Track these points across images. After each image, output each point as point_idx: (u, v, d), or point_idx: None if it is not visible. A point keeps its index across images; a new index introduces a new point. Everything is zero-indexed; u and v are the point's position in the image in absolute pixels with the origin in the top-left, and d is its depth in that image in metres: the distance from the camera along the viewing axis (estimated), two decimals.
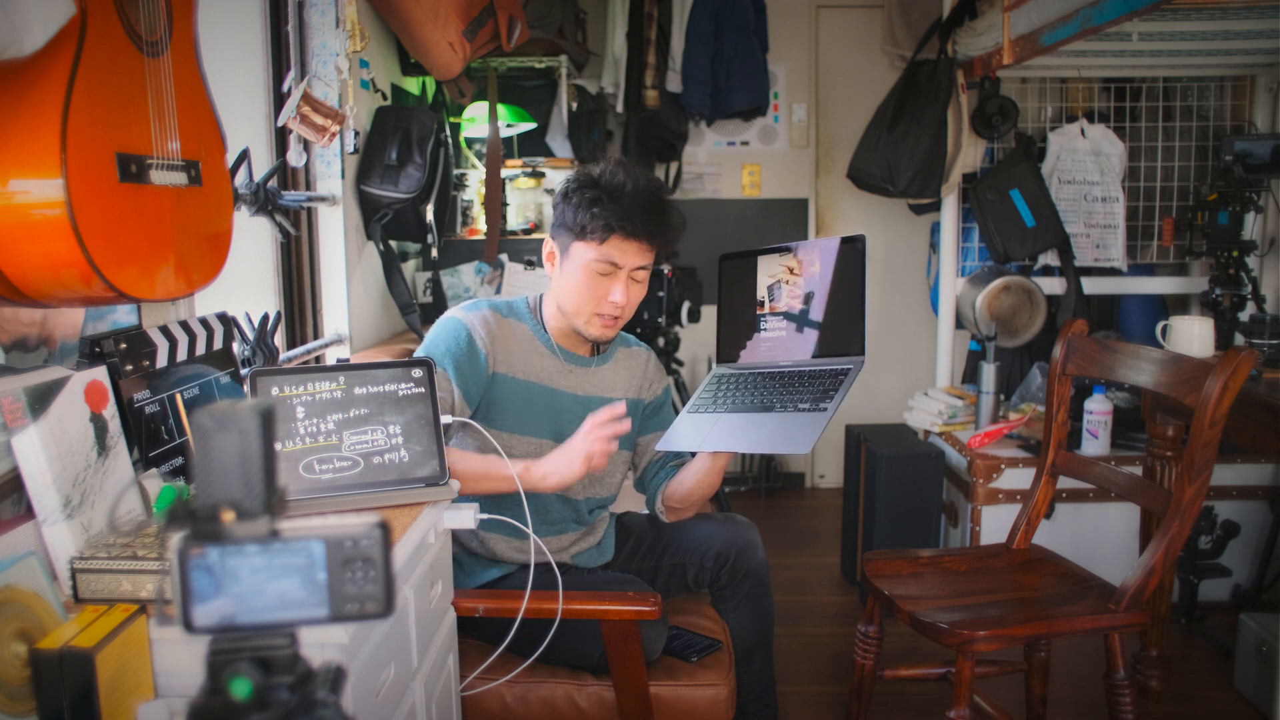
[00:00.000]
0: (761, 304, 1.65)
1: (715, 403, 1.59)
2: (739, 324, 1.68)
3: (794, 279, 1.61)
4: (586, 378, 1.71)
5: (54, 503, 1.07)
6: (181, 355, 1.42)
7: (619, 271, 1.59)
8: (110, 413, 1.20)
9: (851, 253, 1.55)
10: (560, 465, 1.48)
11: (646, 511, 1.85)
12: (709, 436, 1.54)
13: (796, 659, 2.51)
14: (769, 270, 1.64)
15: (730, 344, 1.68)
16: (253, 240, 2.08)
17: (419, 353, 1.63)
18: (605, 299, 1.60)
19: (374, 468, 1.33)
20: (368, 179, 2.40)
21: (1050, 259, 3.18)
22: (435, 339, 1.62)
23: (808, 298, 1.59)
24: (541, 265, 3.09)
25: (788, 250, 1.62)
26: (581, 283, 1.60)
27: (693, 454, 1.69)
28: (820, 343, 1.57)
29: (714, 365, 1.70)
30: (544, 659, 1.55)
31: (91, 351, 1.26)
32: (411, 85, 2.98)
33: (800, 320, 1.60)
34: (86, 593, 1.04)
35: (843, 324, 1.55)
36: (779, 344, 1.62)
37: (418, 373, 1.37)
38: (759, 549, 1.75)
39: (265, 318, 1.67)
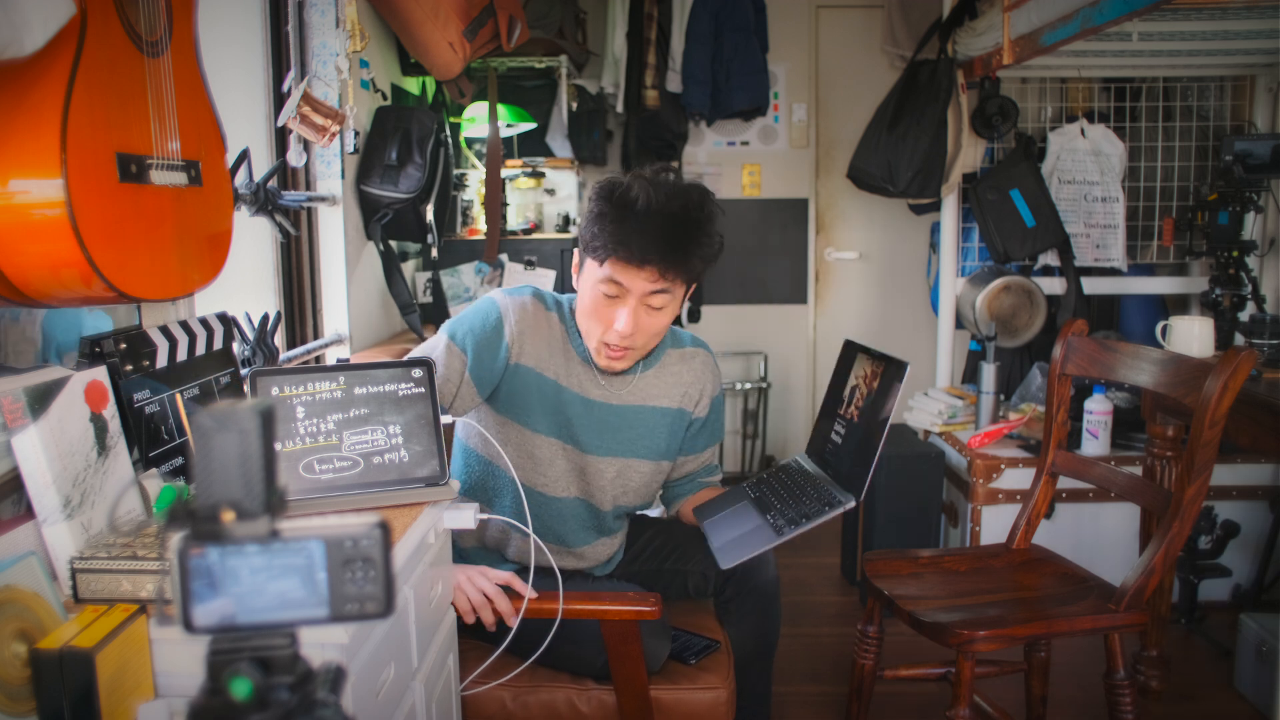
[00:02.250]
0: (842, 403, 1.60)
1: (754, 488, 1.60)
2: (826, 417, 1.63)
3: (867, 388, 1.53)
4: (624, 384, 1.61)
5: (54, 503, 1.07)
6: (181, 355, 1.42)
7: (626, 297, 1.45)
8: (110, 413, 1.20)
9: (892, 375, 1.45)
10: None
11: (663, 513, 1.84)
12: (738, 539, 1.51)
13: (796, 659, 2.51)
14: (856, 371, 1.58)
15: (817, 434, 1.66)
16: (253, 240, 2.08)
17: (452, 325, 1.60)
18: (611, 326, 1.47)
19: (374, 468, 1.32)
20: (368, 179, 2.40)
21: (1050, 259, 3.18)
22: (466, 314, 1.58)
23: (863, 412, 1.51)
24: (538, 266, 3.12)
25: (881, 358, 1.52)
26: (589, 305, 1.50)
27: (722, 483, 1.73)
28: (841, 463, 1.53)
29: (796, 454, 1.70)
30: (546, 667, 1.55)
31: (91, 351, 1.26)
32: (411, 85, 2.97)
33: (849, 432, 1.54)
34: (86, 593, 1.04)
35: (855, 457, 1.48)
36: (833, 451, 1.58)
37: (418, 373, 1.37)
38: (770, 565, 1.66)
39: (265, 318, 1.67)
